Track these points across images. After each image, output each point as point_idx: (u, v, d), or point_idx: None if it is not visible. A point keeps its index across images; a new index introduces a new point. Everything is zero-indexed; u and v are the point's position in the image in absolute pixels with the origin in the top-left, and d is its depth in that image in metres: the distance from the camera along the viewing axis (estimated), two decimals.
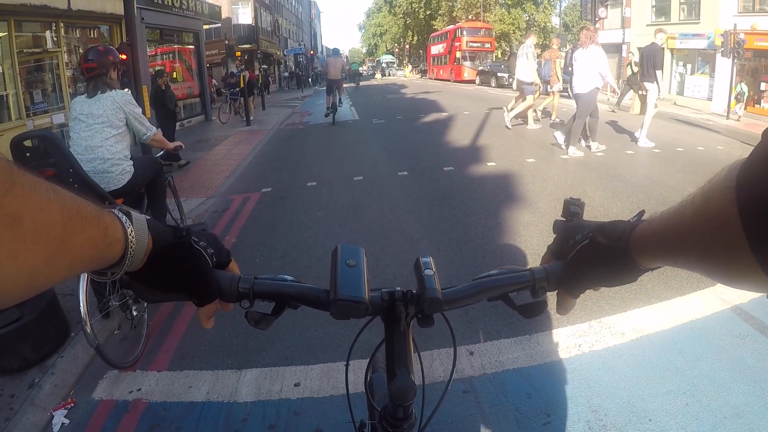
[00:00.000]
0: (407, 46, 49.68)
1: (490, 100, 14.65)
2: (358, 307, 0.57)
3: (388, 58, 56.79)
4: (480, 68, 25.41)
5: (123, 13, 5.96)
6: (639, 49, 8.88)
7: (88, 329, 2.13)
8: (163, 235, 0.54)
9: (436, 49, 33.37)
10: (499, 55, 32.89)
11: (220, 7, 15.41)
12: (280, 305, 0.63)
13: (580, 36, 6.78)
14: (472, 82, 25.54)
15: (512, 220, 4.19)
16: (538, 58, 9.14)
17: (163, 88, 7.75)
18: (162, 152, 3.40)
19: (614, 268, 0.56)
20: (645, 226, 0.52)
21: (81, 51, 7.60)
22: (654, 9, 16.14)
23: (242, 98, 12.24)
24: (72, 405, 2.17)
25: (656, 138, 7.12)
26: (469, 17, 36.08)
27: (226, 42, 21.76)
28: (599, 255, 0.57)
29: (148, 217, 0.54)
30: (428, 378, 0.83)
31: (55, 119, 7.47)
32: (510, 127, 8.78)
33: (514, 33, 36.39)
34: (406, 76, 42.69)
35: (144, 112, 3.31)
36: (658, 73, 6.94)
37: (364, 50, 75.50)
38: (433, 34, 36.14)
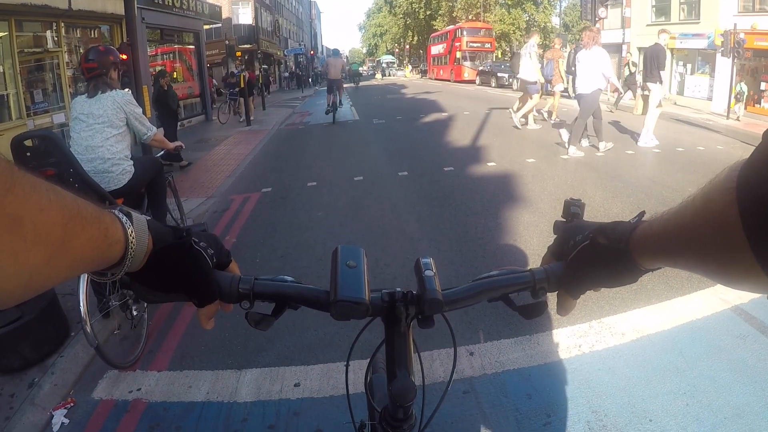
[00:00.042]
0: (407, 47, 49.67)
1: (491, 100, 14.66)
2: (359, 308, 0.57)
3: (389, 58, 56.74)
4: (480, 68, 25.37)
5: (123, 13, 5.98)
6: (639, 49, 8.89)
7: (88, 329, 2.14)
8: (163, 236, 0.54)
9: (437, 49, 33.33)
10: (500, 55, 32.88)
11: (220, 7, 15.43)
12: (281, 306, 0.63)
13: (582, 37, 6.78)
14: (473, 82, 25.52)
15: (512, 221, 4.19)
16: (541, 57, 9.14)
17: (166, 88, 7.78)
18: (162, 152, 3.41)
19: (615, 269, 0.56)
20: (645, 227, 0.52)
21: (81, 51, 7.64)
22: (654, 9, 16.13)
23: (242, 98, 12.27)
24: (72, 404, 2.17)
25: (656, 138, 7.12)
26: (469, 17, 36.09)
27: (227, 42, 21.79)
28: (600, 256, 0.57)
29: (149, 218, 0.54)
30: (428, 378, 0.83)
31: (56, 119, 7.48)
32: (519, 127, 8.80)
33: (514, 33, 36.42)
34: (406, 76, 42.65)
35: (144, 112, 3.31)
36: (662, 73, 6.94)
37: (364, 50, 75.45)
38: (433, 35, 36.11)
